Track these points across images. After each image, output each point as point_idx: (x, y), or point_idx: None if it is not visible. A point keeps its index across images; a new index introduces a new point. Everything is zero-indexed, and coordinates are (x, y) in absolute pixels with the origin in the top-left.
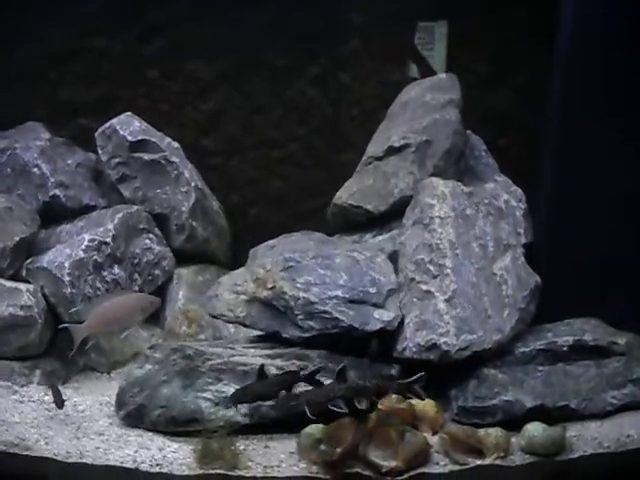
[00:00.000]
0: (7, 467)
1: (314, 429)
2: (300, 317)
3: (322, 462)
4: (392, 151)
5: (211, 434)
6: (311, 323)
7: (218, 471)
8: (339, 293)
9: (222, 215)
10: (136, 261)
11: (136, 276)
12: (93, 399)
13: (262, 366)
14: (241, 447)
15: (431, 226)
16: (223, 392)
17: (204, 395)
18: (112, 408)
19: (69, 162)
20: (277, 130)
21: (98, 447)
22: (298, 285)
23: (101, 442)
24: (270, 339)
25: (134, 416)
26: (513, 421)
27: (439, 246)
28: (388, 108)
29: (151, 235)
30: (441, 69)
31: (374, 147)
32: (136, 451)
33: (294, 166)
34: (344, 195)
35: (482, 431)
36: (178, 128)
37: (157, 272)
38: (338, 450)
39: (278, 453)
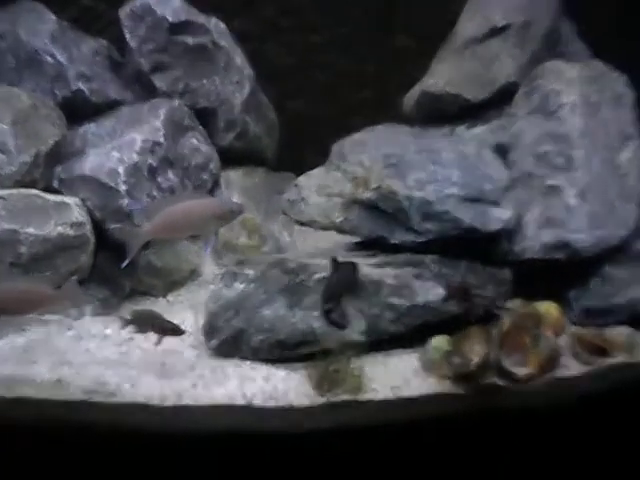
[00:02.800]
0: (93, 418)
1: (441, 341)
2: (416, 219)
3: (455, 375)
4: (493, 33)
5: (325, 356)
6: (428, 225)
7: (343, 397)
8: (455, 191)
9: (272, 109)
10: (185, 164)
11: (186, 182)
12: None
13: (335, 259)
14: (361, 368)
15: (557, 114)
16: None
17: (315, 314)
18: (192, 337)
19: (84, 50)
20: (319, 11)
21: (195, 384)
22: (410, 183)
23: (197, 378)
24: (371, 246)
25: (230, 344)
26: (637, 320)
27: (568, 136)
28: None
29: (197, 133)
30: None
31: (470, 29)
32: (241, 384)
33: (339, 52)
34: (440, 82)
35: (609, 330)
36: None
37: (205, 176)
38: (474, 361)
39: (402, 371)
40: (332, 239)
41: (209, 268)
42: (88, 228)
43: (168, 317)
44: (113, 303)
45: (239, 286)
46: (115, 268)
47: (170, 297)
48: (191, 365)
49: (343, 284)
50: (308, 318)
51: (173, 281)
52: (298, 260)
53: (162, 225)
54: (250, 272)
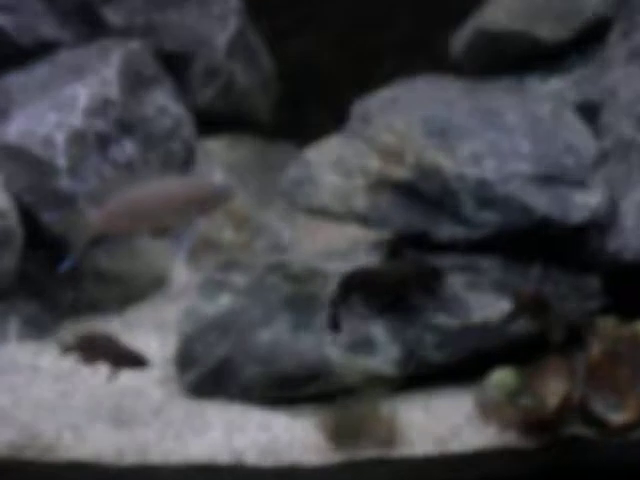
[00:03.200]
0: None
1: (506, 375)
2: (470, 207)
3: (525, 423)
4: None
5: (344, 396)
6: (487, 215)
7: (368, 453)
8: (524, 167)
9: (267, 53)
10: (148, 130)
11: (150, 155)
12: None
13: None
14: (393, 412)
15: None
16: (362, 330)
17: (330, 339)
18: (159, 370)
19: None
20: None
21: (164, 435)
22: (462, 157)
23: (166, 426)
24: (408, 244)
25: (212, 379)
26: None
27: None
28: None
29: (164, 88)
30: None
31: None
32: (227, 435)
33: None
34: (501, 17)
35: None
36: None
37: (174, 147)
38: (551, 403)
39: (450, 416)
40: (351, 235)
41: (182, 274)
42: (13, 218)
43: (126, 342)
44: (47, 322)
45: (224, 300)
46: (51, 274)
47: (128, 314)
48: (158, 408)
49: (392, 279)
50: (321, 343)
51: (132, 292)
52: (306, 263)
53: (117, 214)
54: (240, 280)
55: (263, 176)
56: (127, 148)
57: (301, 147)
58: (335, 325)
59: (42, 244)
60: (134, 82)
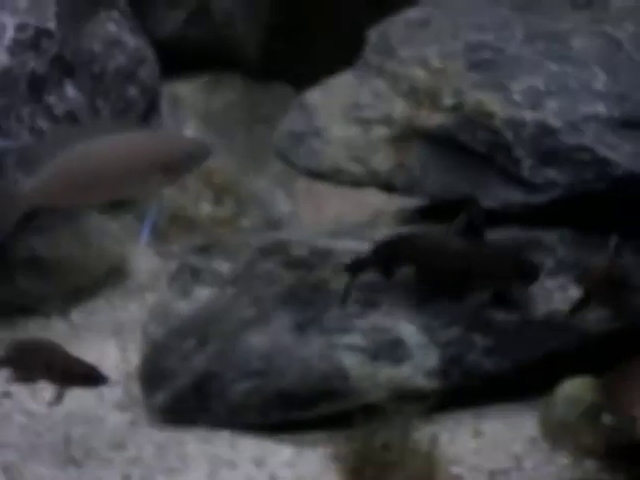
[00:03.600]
0: None
1: (580, 386)
2: (528, 163)
3: (608, 449)
4: None
5: (366, 418)
6: (551, 173)
7: None
8: (599, 109)
9: None
10: (97, 70)
11: (100, 102)
12: None
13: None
14: (433, 438)
15: None
16: (386, 329)
17: (345, 340)
18: (119, 389)
19: None
20: None
21: (128, 476)
22: (516, 97)
23: (131, 464)
24: (446, 214)
25: (190, 400)
26: None
27: None
28: None
29: (116, 13)
30: None
31: None
32: (212, 474)
33: None
34: None
35: None
36: None
37: (132, 92)
38: None
39: (508, 442)
40: (369, 204)
41: (146, 262)
42: None
43: (73, 352)
44: None
45: (203, 293)
46: None
47: (76, 315)
48: (119, 441)
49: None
50: (335, 348)
51: (80, 287)
52: (311, 242)
53: (58, 182)
54: (223, 267)
55: (251, 130)
56: (68, 93)
57: (300, 90)
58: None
59: None
60: (76, 7)
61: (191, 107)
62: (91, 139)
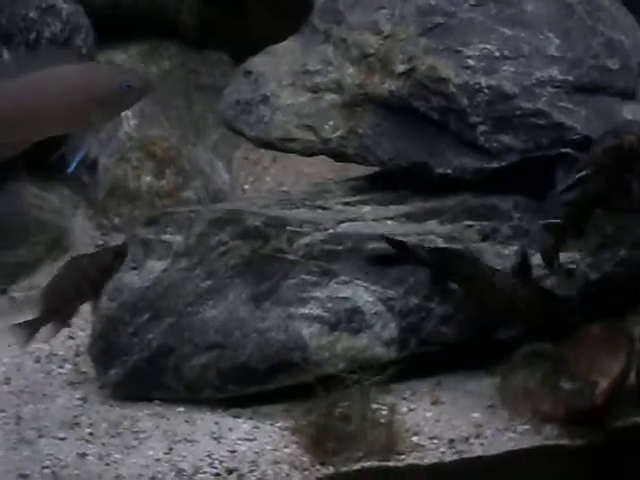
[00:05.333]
0: None
1: (538, 350)
2: (483, 127)
3: (567, 414)
4: None
5: (326, 391)
6: (505, 139)
7: (363, 464)
8: (555, 73)
9: None
10: (31, 37)
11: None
12: (4, 351)
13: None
14: (392, 408)
15: None
16: (344, 299)
17: (303, 310)
18: (68, 365)
19: None
20: None
21: (83, 454)
22: (470, 62)
23: (85, 444)
24: (399, 183)
25: (144, 376)
26: None
27: None
28: None
29: None
30: None
31: None
32: (171, 449)
33: None
34: None
35: None
36: None
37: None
38: (600, 386)
39: (466, 410)
40: (308, 174)
41: (85, 235)
42: None
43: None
44: None
45: (156, 265)
46: None
47: (15, 291)
48: (72, 419)
49: None
50: (293, 319)
51: (19, 262)
52: (265, 213)
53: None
54: (176, 238)
55: (189, 99)
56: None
57: (239, 58)
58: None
59: None
60: None
61: None
62: (29, 72)
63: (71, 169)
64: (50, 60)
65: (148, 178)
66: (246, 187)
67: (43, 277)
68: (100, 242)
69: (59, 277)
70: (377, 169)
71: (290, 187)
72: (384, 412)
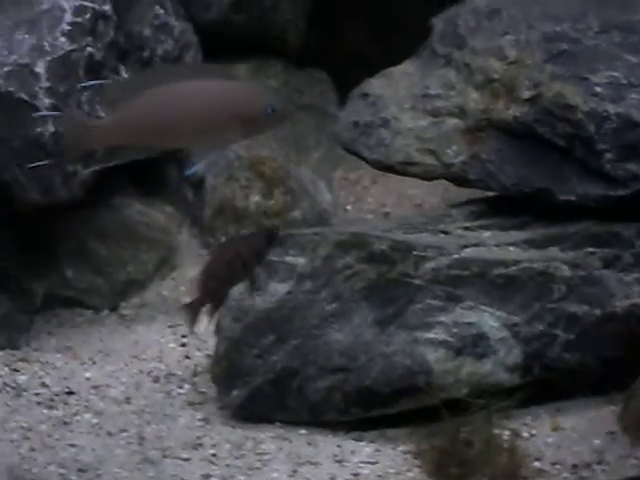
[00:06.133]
0: None
1: None
2: (609, 156)
3: None
4: None
5: (449, 414)
6: (632, 167)
7: None
8: None
9: None
10: (146, 55)
11: None
12: (122, 371)
13: None
14: (514, 433)
15: None
16: (470, 324)
17: (428, 335)
18: (187, 386)
19: None
20: None
21: (208, 475)
22: (597, 89)
23: (208, 465)
24: (519, 208)
25: (267, 397)
26: None
27: None
28: None
29: None
30: None
31: None
32: (294, 472)
33: None
34: None
35: None
36: None
37: None
38: None
39: (585, 437)
40: (410, 196)
41: (192, 253)
42: None
43: (129, 348)
44: (23, 324)
45: (278, 287)
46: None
47: (125, 308)
48: (194, 440)
49: None
50: (418, 343)
51: (130, 280)
52: (390, 236)
53: (133, 121)
54: (299, 260)
55: (293, 118)
56: None
57: (340, 78)
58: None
59: (11, 218)
60: None
61: None
62: (174, 82)
63: (190, 172)
64: (199, 73)
65: (256, 198)
66: (348, 208)
67: (152, 294)
68: None
69: (214, 259)
70: (491, 193)
71: (392, 209)
72: (506, 437)
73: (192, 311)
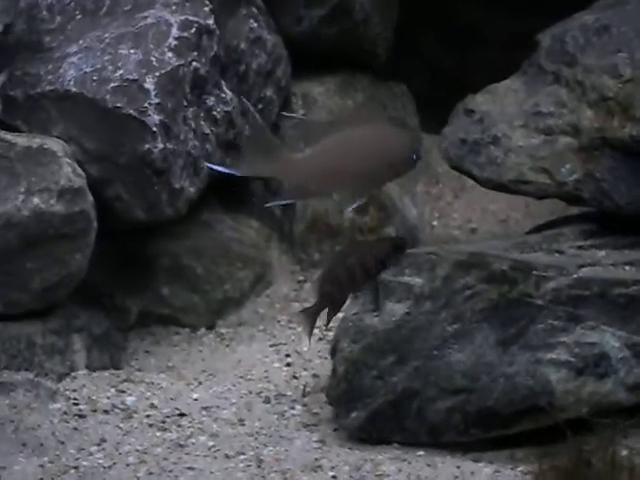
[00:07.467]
0: None
1: None
2: None
3: None
4: None
5: (569, 434)
6: None
7: None
8: None
9: None
10: (242, 69)
11: (244, 101)
12: (231, 391)
13: None
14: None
15: None
16: (591, 344)
17: (551, 355)
18: (298, 406)
19: None
20: None
21: None
22: None
23: None
24: (632, 229)
25: (386, 419)
26: None
27: None
28: None
29: (254, 9)
30: None
31: None
32: None
33: None
34: None
35: None
36: None
37: (268, 92)
38: None
39: None
40: (494, 211)
41: (285, 270)
42: (88, 200)
43: (229, 369)
44: (119, 342)
45: (395, 307)
46: (117, 274)
47: (222, 327)
48: (313, 462)
49: None
50: (541, 364)
51: (226, 297)
52: (509, 256)
53: (320, 162)
54: (416, 280)
55: None
56: (225, 95)
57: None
58: None
59: (107, 234)
60: (221, 4)
61: (323, 109)
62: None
63: (270, 204)
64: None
65: (351, 214)
66: (434, 223)
67: (249, 312)
68: (301, 278)
69: (334, 264)
70: (590, 210)
71: (477, 224)
72: (625, 456)
73: (309, 317)
